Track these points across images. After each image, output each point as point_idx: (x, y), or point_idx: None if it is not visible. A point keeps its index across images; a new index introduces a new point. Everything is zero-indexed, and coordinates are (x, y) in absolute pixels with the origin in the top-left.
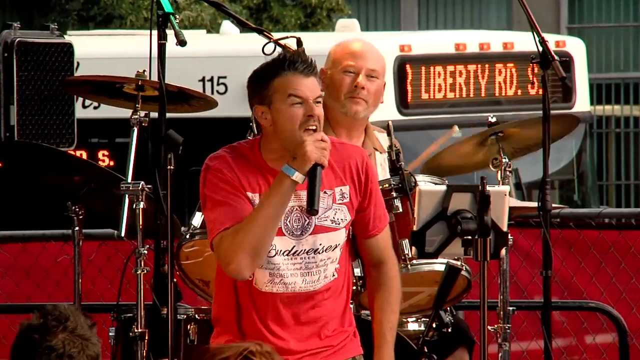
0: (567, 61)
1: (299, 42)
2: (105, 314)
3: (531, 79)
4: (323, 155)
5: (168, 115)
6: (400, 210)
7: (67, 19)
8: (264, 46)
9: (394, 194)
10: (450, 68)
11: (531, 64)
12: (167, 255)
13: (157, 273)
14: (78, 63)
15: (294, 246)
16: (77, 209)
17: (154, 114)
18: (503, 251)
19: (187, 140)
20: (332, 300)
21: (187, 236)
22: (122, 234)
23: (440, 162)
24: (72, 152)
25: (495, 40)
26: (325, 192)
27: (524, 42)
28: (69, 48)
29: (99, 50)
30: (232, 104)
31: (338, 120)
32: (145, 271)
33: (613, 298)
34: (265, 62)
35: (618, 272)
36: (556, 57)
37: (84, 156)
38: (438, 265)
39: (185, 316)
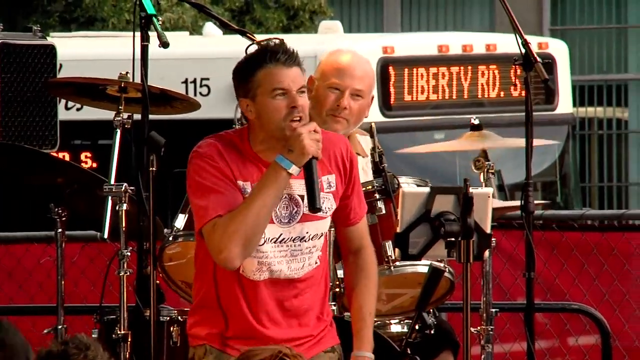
0: (549, 63)
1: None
2: (88, 316)
3: (514, 80)
4: (319, 147)
5: (151, 117)
6: (384, 212)
7: (49, 20)
8: (247, 48)
9: (377, 195)
10: (433, 70)
11: (514, 66)
12: (150, 257)
13: (140, 275)
14: (61, 65)
15: (282, 234)
16: (60, 211)
17: (137, 116)
18: (486, 253)
19: (170, 142)
20: (314, 289)
21: (170, 238)
22: (105, 236)
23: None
24: (55, 154)
25: (478, 42)
26: None
27: (507, 44)
28: (51, 50)
29: (81, 52)
30: (215, 106)
31: None
32: (128, 273)
33: (596, 300)
34: (249, 54)
35: (601, 274)
36: (539, 59)
37: (67, 158)
38: (421, 267)
39: (168, 318)
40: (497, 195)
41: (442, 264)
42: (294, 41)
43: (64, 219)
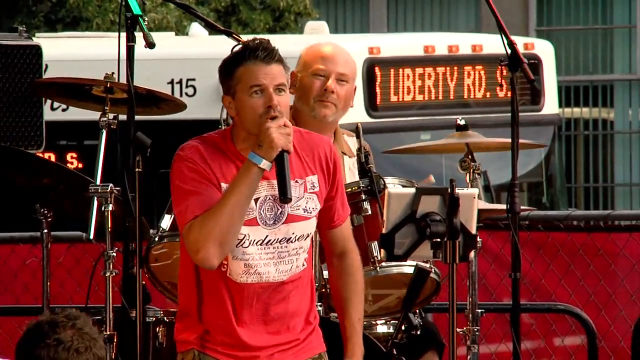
0: (535, 64)
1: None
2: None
3: (500, 81)
4: (288, 141)
5: (137, 117)
6: (370, 212)
7: (34, 20)
8: (233, 48)
9: (363, 196)
10: (419, 70)
11: (500, 67)
12: (136, 258)
13: (126, 275)
14: (47, 65)
15: (267, 235)
16: (46, 212)
17: (123, 117)
18: (472, 253)
19: (156, 143)
20: (301, 292)
21: (156, 239)
22: (91, 237)
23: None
24: (40, 155)
25: (464, 42)
26: (296, 182)
27: (493, 44)
28: (37, 50)
29: (67, 52)
30: (201, 107)
31: (307, 124)
32: (114, 273)
33: (582, 300)
34: (232, 52)
35: (587, 274)
36: (525, 60)
37: (53, 158)
38: (407, 267)
39: (154, 319)
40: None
41: (427, 265)
42: (279, 42)
43: (49, 219)
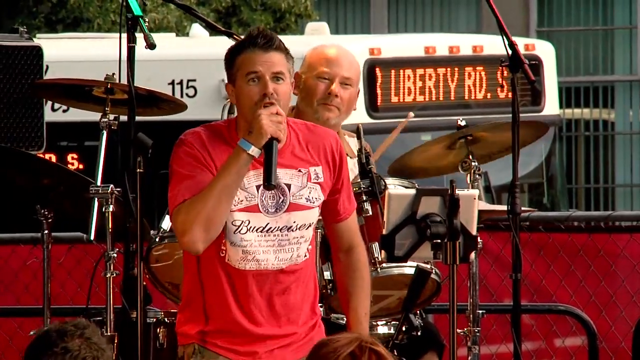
0: (536, 64)
1: None
2: (74, 317)
3: (500, 82)
4: (279, 129)
5: (137, 118)
6: (370, 213)
7: (35, 21)
8: None
9: (364, 197)
10: (419, 71)
11: (501, 68)
12: (137, 259)
13: (127, 276)
14: (47, 66)
15: (268, 223)
16: (46, 212)
17: (124, 117)
18: (473, 254)
19: (157, 144)
20: (303, 284)
21: (157, 239)
22: (92, 237)
23: (409, 164)
24: (41, 155)
25: (465, 43)
26: (300, 171)
27: (494, 45)
28: (38, 51)
29: (68, 53)
30: (202, 107)
31: None
32: (114, 274)
33: (582, 301)
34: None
35: (587, 275)
36: (526, 61)
37: (53, 159)
38: (408, 268)
39: (154, 319)
40: (484, 197)
41: (428, 266)
42: None
43: (50, 220)
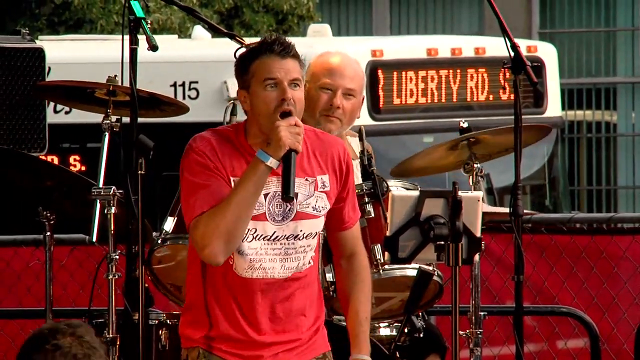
0: (538, 66)
1: None
2: (76, 319)
3: (503, 84)
4: (297, 140)
5: (139, 120)
6: (373, 215)
7: (37, 23)
8: (236, 51)
9: (367, 199)
10: (422, 73)
11: (503, 69)
12: (139, 260)
13: (129, 278)
14: (49, 68)
15: (275, 231)
16: (49, 214)
17: (126, 119)
18: (476, 256)
19: (159, 146)
20: (307, 290)
21: (159, 241)
22: (94, 239)
23: (410, 167)
24: (43, 157)
25: (467, 45)
26: (307, 180)
27: (496, 47)
28: (40, 53)
29: (70, 55)
30: (204, 109)
31: None
32: (116, 276)
33: (584, 303)
34: (250, 46)
35: (589, 277)
36: (528, 63)
37: (56, 161)
38: (410, 270)
39: (156, 321)
40: (486, 198)
41: (431, 268)
42: None
43: (52, 222)
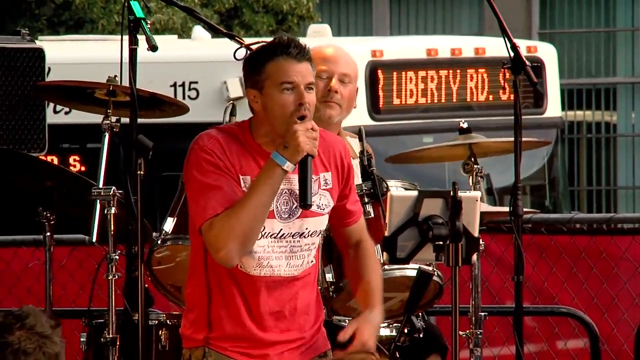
0: (538, 67)
1: None
2: (76, 320)
3: (503, 84)
4: (314, 145)
5: (139, 120)
6: (372, 215)
7: (37, 23)
8: (236, 51)
9: (366, 199)
10: (422, 73)
11: (503, 70)
12: (139, 261)
13: (129, 278)
14: (49, 68)
15: (282, 229)
16: (48, 215)
17: (125, 120)
18: (475, 256)
19: (158, 146)
20: (309, 289)
21: (159, 241)
22: (93, 240)
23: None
24: (43, 158)
25: (467, 45)
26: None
27: (496, 47)
28: (40, 53)
29: (70, 55)
30: (204, 109)
31: None
32: (116, 277)
33: (584, 303)
34: (260, 46)
35: (589, 278)
36: (528, 63)
37: (55, 161)
38: (410, 270)
39: (156, 322)
40: (486, 199)
41: (430, 268)
42: None
43: (52, 222)
